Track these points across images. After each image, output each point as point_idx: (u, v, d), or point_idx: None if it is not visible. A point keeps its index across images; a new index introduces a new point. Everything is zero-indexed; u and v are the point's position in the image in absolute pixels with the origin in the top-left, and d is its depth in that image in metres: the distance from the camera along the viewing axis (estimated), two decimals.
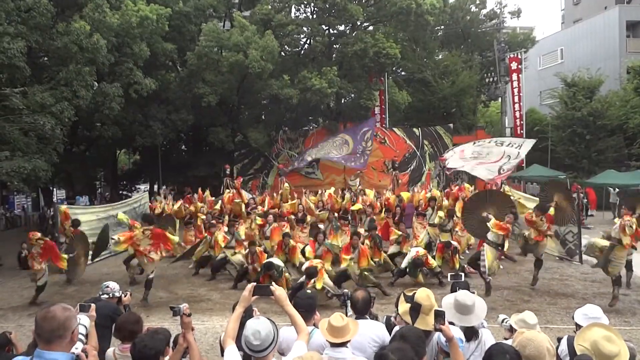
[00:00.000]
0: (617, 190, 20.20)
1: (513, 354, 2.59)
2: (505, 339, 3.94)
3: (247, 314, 3.14)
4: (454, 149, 17.45)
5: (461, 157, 15.69)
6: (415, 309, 3.32)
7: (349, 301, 3.93)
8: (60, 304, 2.46)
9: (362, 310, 3.69)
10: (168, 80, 20.41)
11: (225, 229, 11.23)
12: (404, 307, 3.57)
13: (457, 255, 10.22)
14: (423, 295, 3.36)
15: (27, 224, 23.76)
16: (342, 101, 24.62)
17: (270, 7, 21.41)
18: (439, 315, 3.04)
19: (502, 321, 4.41)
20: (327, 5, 21.07)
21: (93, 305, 4.06)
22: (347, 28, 23.38)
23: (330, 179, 22.60)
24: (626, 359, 2.70)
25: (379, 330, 3.55)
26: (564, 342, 3.71)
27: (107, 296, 4.99)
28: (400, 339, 2.79)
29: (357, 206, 14.14)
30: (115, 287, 5.14)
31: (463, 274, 5.17)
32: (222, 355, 3.05)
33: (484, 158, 15.31)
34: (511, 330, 3.97)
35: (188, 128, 22.15)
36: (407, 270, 9.72)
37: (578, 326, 3.80)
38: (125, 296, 5.23)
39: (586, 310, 3.81)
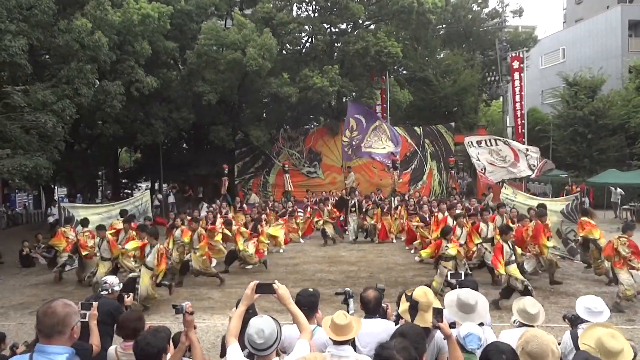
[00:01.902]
0: (618, 189, 20.19)
1: (509, 353, 2.56)
2: None
3: (250, 312, 3.14)
4: (479, 161, 16.50)
5: (495, 168, 16.16)
6: (414, 307, 3.31)
7: (350, 299, 3.92)
8: (62, 299, 2.46)
9: (374, 310, 3.66)
10: (169, 79, 20.35)
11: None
12: (404, 306, 3.57)
13: None
14: (420, 292, 3.36)
15: (29, 222, 23.79)
16: (344, 100, 24.59)
17: (271, 5, 21.33)
18: (437, 313, 3.03)
19: (514, 322, 4.41)
20: (329, 4, 21.03)
21: (95, 304, 4.08)
22: (349, 27, 23.34)
23: (331, 178, 22.60)
24: (630, 357, 2.69)
25: (390, 330, 3.47)
26: (566, 336, 3.66)
27: (106, 292, 4.99)
28: (400, 336, 2.78)
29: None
30: (114, 282, 5.14)
31: (463, 273, 5.18)
32: (223, 353, 3.05)
33: (505, 162, 15.86)
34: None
35: (189, 126, 22.11)
36: None
37: (578, 318, 3.74)
38: (127, 297, 5.24)
39: (589, 303, 3.73)
